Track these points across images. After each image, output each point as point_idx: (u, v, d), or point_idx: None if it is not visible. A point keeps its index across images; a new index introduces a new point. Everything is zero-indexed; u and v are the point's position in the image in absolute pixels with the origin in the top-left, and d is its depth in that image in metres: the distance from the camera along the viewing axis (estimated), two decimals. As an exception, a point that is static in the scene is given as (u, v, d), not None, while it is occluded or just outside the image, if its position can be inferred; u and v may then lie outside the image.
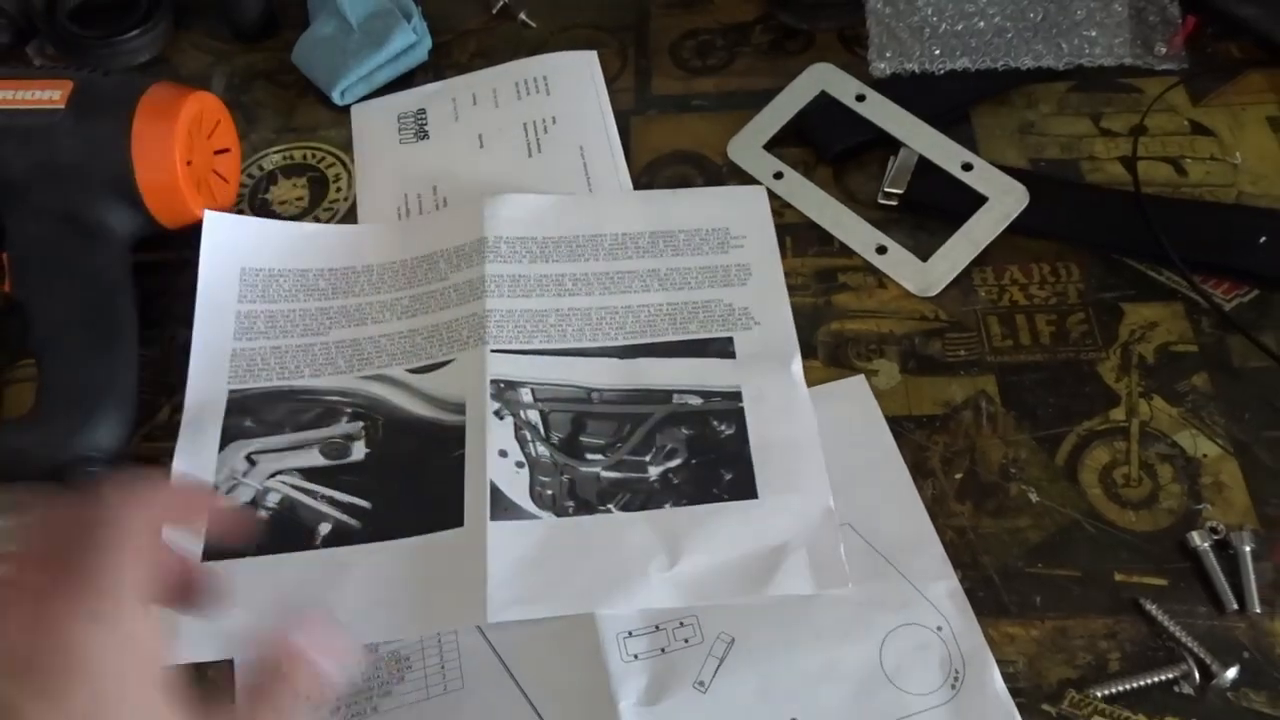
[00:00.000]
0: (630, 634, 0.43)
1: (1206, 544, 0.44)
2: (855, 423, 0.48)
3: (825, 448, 0.46)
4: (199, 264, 0.53)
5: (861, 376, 0.50)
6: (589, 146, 0.59)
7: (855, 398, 0.49)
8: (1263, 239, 0.51)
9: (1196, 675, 0.41)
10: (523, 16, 0.67)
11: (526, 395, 0.48)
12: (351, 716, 0.42)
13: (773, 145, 0.59)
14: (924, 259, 0.54)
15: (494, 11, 0.67)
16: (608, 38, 0.65)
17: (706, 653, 0.42)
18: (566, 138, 0.59)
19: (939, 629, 0.42)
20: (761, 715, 0.40)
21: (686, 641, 0.42)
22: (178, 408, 0.50)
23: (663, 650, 0.42)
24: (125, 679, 0.29)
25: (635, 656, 0.42)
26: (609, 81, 0.63)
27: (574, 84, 0.61)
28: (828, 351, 0.51)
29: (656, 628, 0.43)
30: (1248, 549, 0.43)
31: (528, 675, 0.42)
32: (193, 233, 0.54)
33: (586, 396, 0.49)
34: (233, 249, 0.53)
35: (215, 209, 0.54)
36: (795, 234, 0.56)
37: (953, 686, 0.41)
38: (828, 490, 0.45)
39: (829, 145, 0.58)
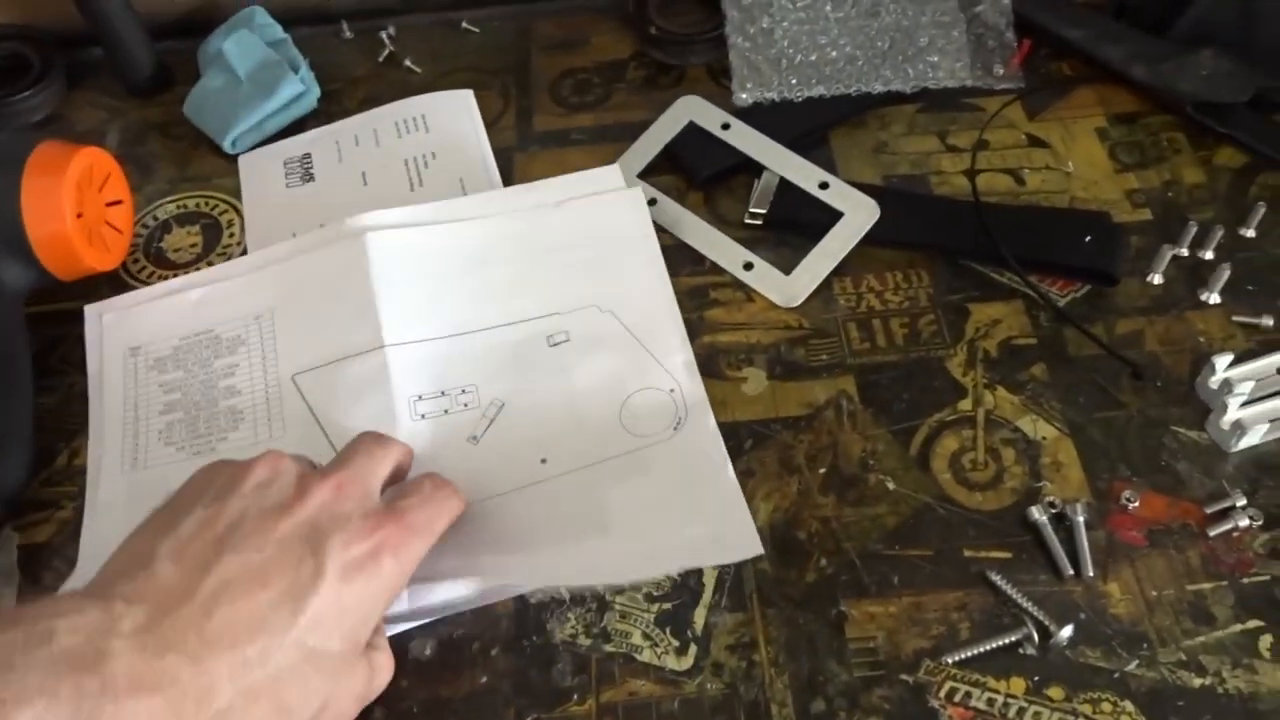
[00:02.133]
0: (420, 398, 0.51)
1: (1045, 517, 0.48)
2: (625, 226, 0.57)
3: (597, 246, 0.56)
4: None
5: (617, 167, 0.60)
6: (469, 178, 0.62)
7: (628, 203, 0.58)
8: (1088, 238, 0.56)
9: (1036, 636, 0.45)
10: (408, 63, 0.70)
11: None
12: (194, 454, 0.51)
13: (647, 174, 0.63)
14: (787, 273, 0.58)
15: (380, 60, 0.71)
16: (490, 79, 0.69)
17: (481, 414, 0.52)
18: (447, 171, 0.62)
19: (671, 391, 0.52)
20: (518, 458, 0.50)
21: (466, 406, 0.52)
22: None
23: (445, 412, 0.51)
24: None
25: (422, 416, 0.51)
26: (492, 121, 0.66)
27: (452, 121, 0.65)
28: (701, 363, 0.54)
29: (443, 393, 0.52)
30: (1081, 519, 0.48)
31: (332, 428, 0.51)
32: (88, 283, 0.56)
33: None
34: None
35: (109, 260, 0.56)
36: (669, 255, 0.59)
37: (675, 428, 0.51)
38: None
39: (698, 171, 0.62)
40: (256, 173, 0.63)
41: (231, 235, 0.61)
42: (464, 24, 0.73)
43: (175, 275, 0.59)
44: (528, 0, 0.74)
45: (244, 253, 0.60)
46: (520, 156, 0.65)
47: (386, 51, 0.71)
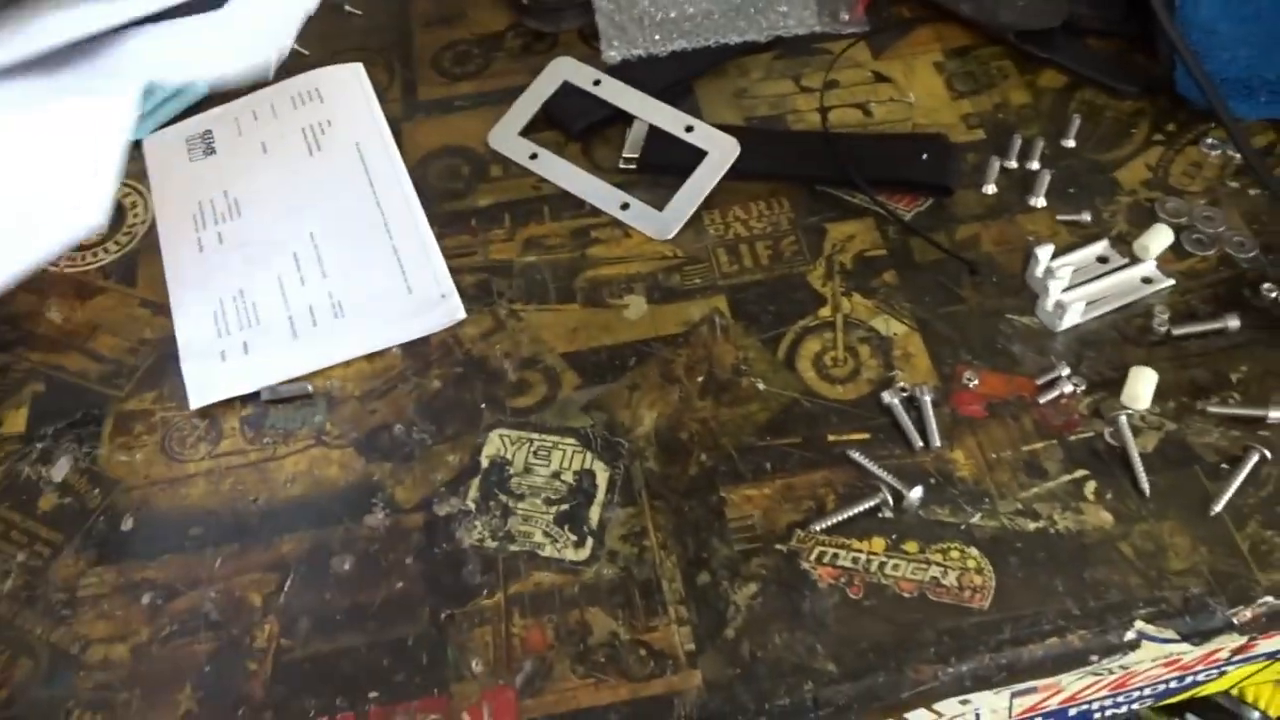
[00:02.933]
0: None
1: (897, 400, 0.53)
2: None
3: None
4: None
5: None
6: (364, 143, 0.66)
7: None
8: (924, 156, 0.62)
9: (891, 500, 0.50)
10: (296, 46, 0.73)
11: None
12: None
13: (527, 131, 0.67)
14: (660, 209, 0.62)
15: (267, 45, 0.74)
16: (375, 56, 0.73)
17: None
18: (343, 137, 0.66)
19: None
20: None
21: None
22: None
23: None
24: None
25: None
26: (379, 94, 0.70)
27: (344, 92, 0.69)
28: (584, 295, 0.59)
29: None
30: (928, 399, 0.53)
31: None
32: None
33: None
34: None
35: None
36: (552, 203, 0.64)
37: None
38: None
39: (573, 125, 0.67)
40: (160, 151, 0.67)
41: (135, 215, 0.64)
42: (346, 7, 0.76)
43: (83, 254, 0.62)
44: (410, -20, 0.78)
45: (149, 229, 0.63)
46: (408, 125, 0.69)
47: (273, 37, 0.74)
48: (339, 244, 0.62)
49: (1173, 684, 0.54)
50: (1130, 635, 0.47)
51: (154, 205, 0.64)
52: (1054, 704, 0.52)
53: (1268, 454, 0.50)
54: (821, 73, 0.69)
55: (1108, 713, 0.55)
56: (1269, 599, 0.47)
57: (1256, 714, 0.81)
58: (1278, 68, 0.60)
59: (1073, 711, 0.54)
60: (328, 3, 0.75)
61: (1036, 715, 0.53)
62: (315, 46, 0.73)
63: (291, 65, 0.72)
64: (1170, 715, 0.83)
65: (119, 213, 0.65)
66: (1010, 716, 0.52)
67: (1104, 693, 0.52)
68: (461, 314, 0.58)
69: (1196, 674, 0.53)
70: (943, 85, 0.68)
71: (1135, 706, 0.55)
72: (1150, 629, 0.47)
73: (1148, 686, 0.53)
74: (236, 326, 0.58)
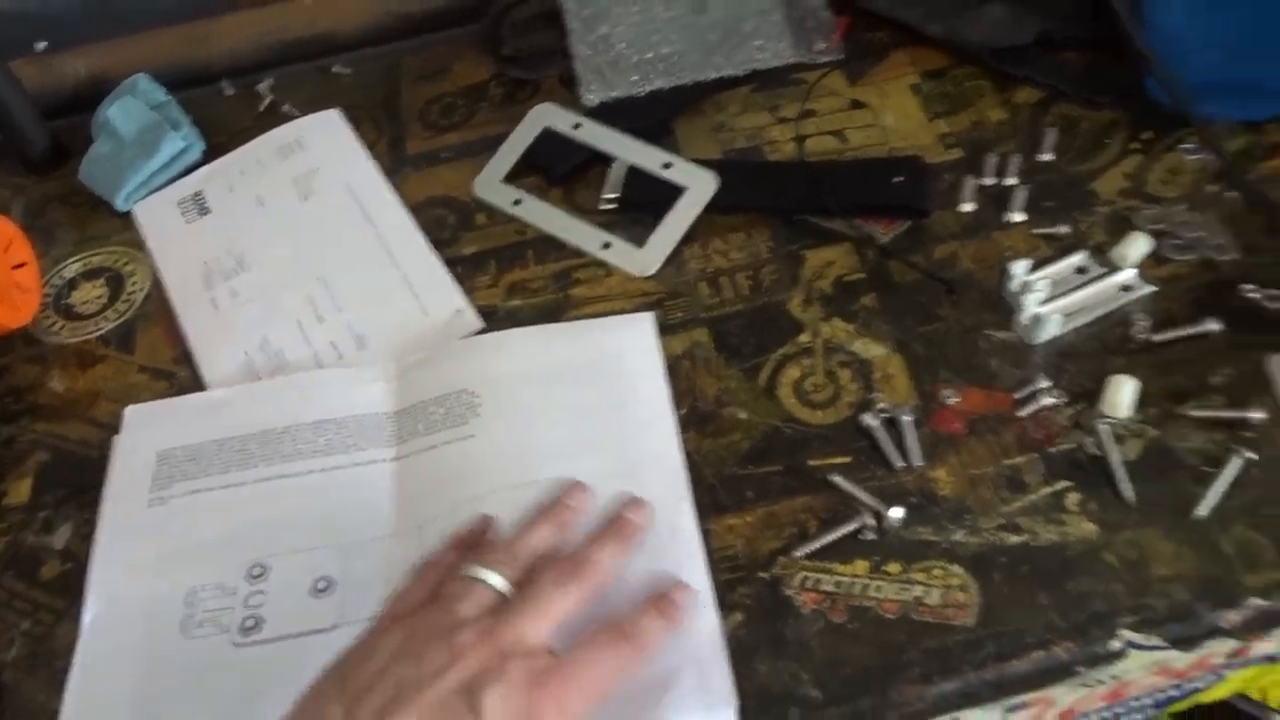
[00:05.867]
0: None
1: (877, 422, 0.54)
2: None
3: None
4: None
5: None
6: (354, 182, 0.69)
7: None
8: (898, 179, 0.62)
9: (873, 521, 0.50)
10: (287, 108, 0.76)
11: None
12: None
13: (511, 178, 0.69)
14: (642, 246, 0.64)
15: (261, 110, 0.77)
16: (364, 114, 0.75)
17: None
18: (332, 181, 0.70)
19: None
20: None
21: None
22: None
23: None
24: None
25: None
26: (369, 149, 0.72)
27: (325, 138, 0.72)
28: (568, 335, 0.60)
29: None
30: (909, 419, 0.53)
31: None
32: (4, 341, 0.61)
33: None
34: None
35: (18, 317, 0.62)
36: (536, 247, 0.65)
37: None
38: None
39: (554, 169, 0.68)
40: (154, 218, 0.69)
41: (134, 283, 0.67)
42: (334, 69, 0.79)
43: (84, 325, 0.64)
44: (393, 40, 0.80)
45: (147, 295, 0.66)
46: (395, 178, 0.70)
47: (267, 101, 0.77)
48: (349, 280, 0.64)
49: (1171, 692, 0.53)
50: (1116, 645, 0.46)
51: (158, 270, 0.67)
52: (1050, 717, 0.52)
53: (1252, 455, 0.50)
54: (798, 103, 0.70)
55: (1110, 726, 0.55)
56: (1255, 601, 0.46)
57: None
58: (1248, 69, 0.60)
59: (1071, 727, 0.54)
60: (317, 65, 0.79)
61: (1036, 732, 0.53)
62: (305, 108, 0.76)
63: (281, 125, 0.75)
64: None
65: (117, 281, 0.67)
66: (1008, 734, 0.52)
67: (1100, 704, 0.52)
68: (479, 324, 0.61)
69: (1194, 681, 0.52)
70: (919, 108, 0.69)
71: (1137, 718, 0.55)
72: (1136, 637, 0.46)
73: (1145, 695, 0.53)
74: (266, 373, 0.60)
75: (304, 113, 0.76)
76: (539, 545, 0.48)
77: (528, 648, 0.42)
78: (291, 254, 0.66)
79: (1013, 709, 0.49)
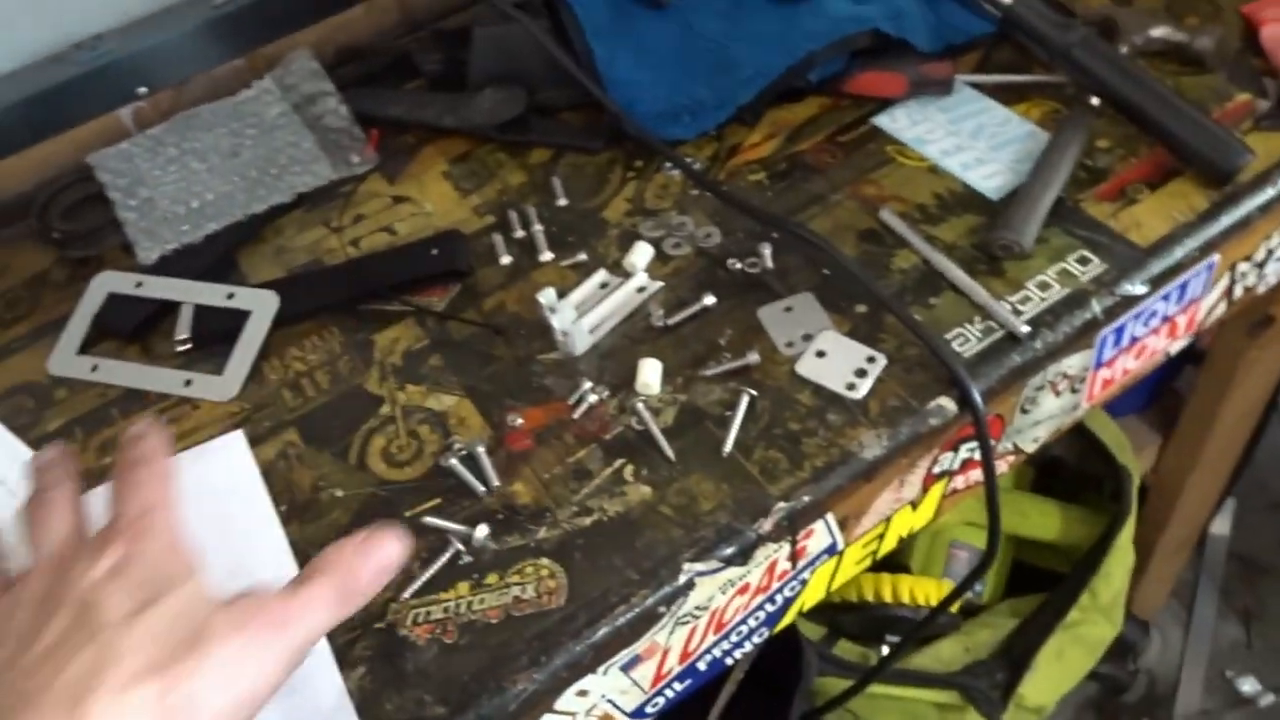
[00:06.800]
0: None
1: (455, 460, 0.59)
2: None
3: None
4: None
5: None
6: None
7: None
8: (435, 251, 0.70)
9: (462, 546, 0.56)
10: None
11: None
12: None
13: (86, 348, 0.70)
14: (221, 374, 0.67)
15: None
16: (-78, 331, 0.74)
17: None
18: None
19: None
20: None
21: None
22: None
23: None
24: None
25: None
26: (-69, 364, 0.71)
27: None
28: (164, 474, 0.62)
29: None
30: (482, 449, 0.59)
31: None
32: None
33: None
34: None
35: None
36: (120, 404, 0.67)
37: None
38: None
39: (123, 327, 0.70)
40: None
41: None
42: (-115, 295, 0.77)
43: None
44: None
45: None
46: (-42, 379, 0.70)
47: None
48: None
49: (768, 607, 0.61)
50: (683, 578, 0.54)
51: None
52: (675, 665, 0.58)
53: (754, 393, 0.60)
54: (348, 211, 0.77)
55: (737, 653, 0.62)
56: (781, 504, 0.55)
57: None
58: (684, 95, 0.73)
59: (701, 666, 0.60)
60: None
61: (671, 681, 0.59)
62: None
63: None
64: (867, 641, 0.92)
65: None
66: (647, 691, 0.58)
67: (711, 636, 0.59)
68: None
69: (781, 590, 0.61)
70: (453, 189, 0.77)
71: (755, 639, 0.62)
72: (698, 566, 0.54)
73: (747, 616, 0.60)
74: None
75: None
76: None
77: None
78: None
79: (628, 666, 0.55)
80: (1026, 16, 0.70)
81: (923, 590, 0.89)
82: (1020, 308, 0.62)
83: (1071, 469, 1.10)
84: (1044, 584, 1.02)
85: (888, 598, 0.88)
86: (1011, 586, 1.06)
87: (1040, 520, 1.03)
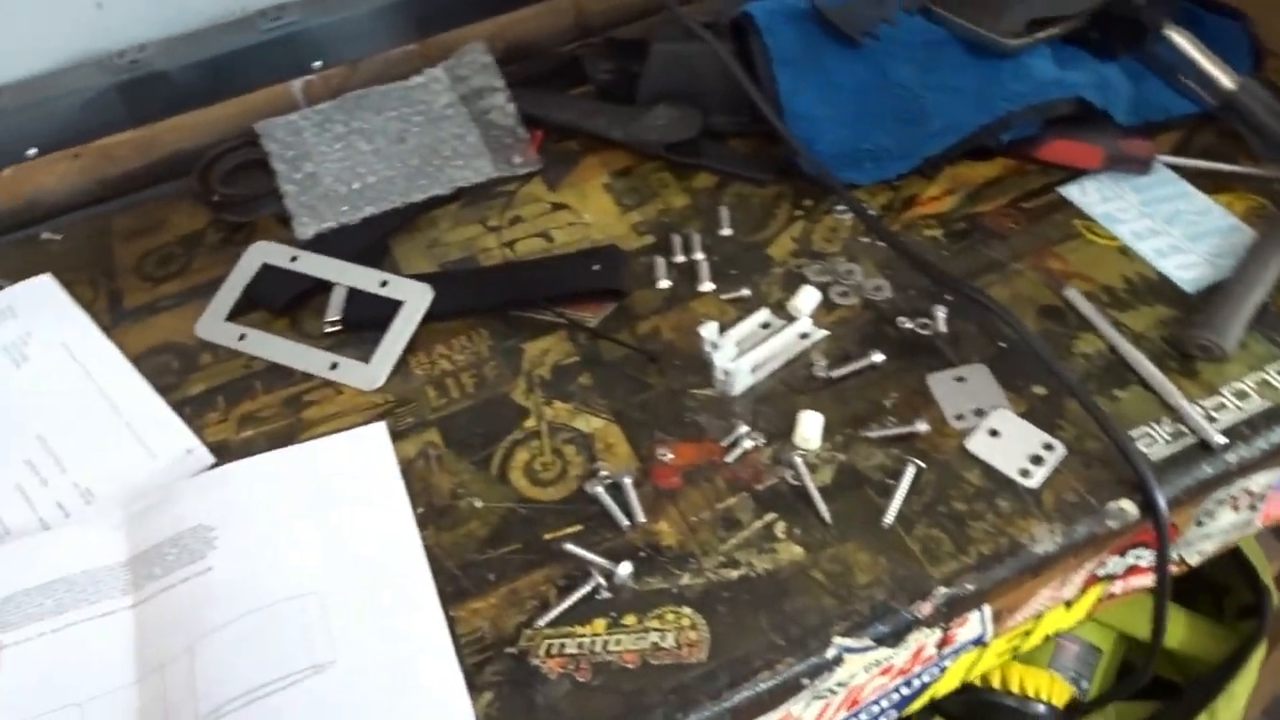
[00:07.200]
0: None
1: (601, 488, 0.58)
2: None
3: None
4: None
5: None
6: (71, 342, 0.69)
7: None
8: (595, 266, 0.68)
9: (604, 581, 0.54)
10: (-5, 280, 0.75)
11: None
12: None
13: (234, 315, 0.70)
14: (368, 362, 0.66)
15: (-36, 285, 0.75)
16: (78, 274, 0.74)
17: None
18: (46, 342, 0.69)
19: None
20: None
21: None
22: None
23: None
24: None
25: None
26: (85, 309, 0.71)
27: (37, 303, 0.71)
28: (302, 457, 0.61)
29: None
30: (629, 480, 0.58)
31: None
32: None
33: None
34: None
35: None
36: (264, 378, 0.66)
37: None
38: None
39: (275, 301, 0.70)
40: None
41: None
42: (44, 235, 0.78)
43: None
44: (100, 202, 0.80)
45: None
46: (116, 331, 0.70)
47: (-29, 278, 0.75)
48: (70, 439, 0.63)
49: (903, 690, 0.58)
50: (832, 652, 0.51)
51: None
52: (800, 736, 0.56)
53: (921, 464, 0.57)
54: (505, 211, 0.75)
55: (859, 732, 0.59)
56: (941, 589, 0.53)
57: (1043, 707, 0.87)
58: (869, 140, 0.70)
59: (823, 739, 0.58)
60: (24, 235, 0.78)
61: (790, 751, 0.56)
62: (16, 276, 0.75)
63: (-10, 297, 0.73)
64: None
65: None
66: (765, 758, 0.55)
67: (842, 714, 0.56)
68: (210, 460, 0.61)
69: (920, 675, 0.58)
70: (613, 203, 0.75)
71: (881, 720, 0.60)
72: (848, 642, 0.51)
73: (881, 698, 0.58)
74: None
75: (14, 281, 0.74)
76: None
77: None
78: (7, 424, 0.65)
79: (759, 731, 0.53)
80: (1250, 105, 0.66)
81: (1033, 681, 0.85)
82: (1214, 414, 0.58)
83: (1201, 575, 1.05)
84: (1152, 689, 0.97)
85: (995, 683, 0.85)
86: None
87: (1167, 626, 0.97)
